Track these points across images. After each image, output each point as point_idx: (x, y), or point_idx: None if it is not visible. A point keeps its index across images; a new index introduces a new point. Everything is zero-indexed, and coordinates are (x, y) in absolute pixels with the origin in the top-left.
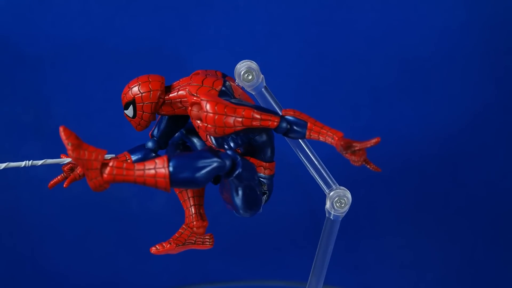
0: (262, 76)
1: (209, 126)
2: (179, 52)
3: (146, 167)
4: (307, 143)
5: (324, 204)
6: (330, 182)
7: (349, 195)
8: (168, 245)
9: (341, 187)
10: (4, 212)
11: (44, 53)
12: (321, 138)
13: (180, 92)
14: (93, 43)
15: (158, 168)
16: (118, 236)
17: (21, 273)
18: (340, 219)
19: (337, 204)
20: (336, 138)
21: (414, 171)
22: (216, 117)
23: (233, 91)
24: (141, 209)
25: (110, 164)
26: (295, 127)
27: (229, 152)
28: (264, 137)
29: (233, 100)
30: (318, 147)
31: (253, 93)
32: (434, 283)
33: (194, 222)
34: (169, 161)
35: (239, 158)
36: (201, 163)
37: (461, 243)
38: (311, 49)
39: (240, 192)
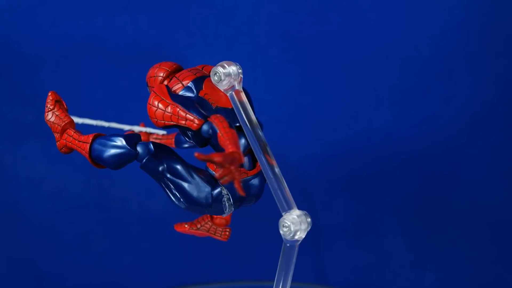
0: (236, 79)
1: (148, 115)
2: (179, 52)
3: (82, 140)
4: (272, 153)
5: (324, 204)
6: (284, 205)
7: (304, 225)
8: (185, 226)
9: (299, 212)
10: (4, 212)
11: (44, 53)
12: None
13: None
14: (93, 43)
15: (86, 143)
16: (118, 236)
17: (21, 273)
18: (297, 244)
19: (284, 230)
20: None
21: (414, 171)
22: (149, 107)
23: (203, 88)
24: (141, 209)
25: (67, 131)
26: (214, 134)
27: (150, 144)
28: None
29: (179, 96)
30: (319, 143)
31: (227, 95)
32: (434, 283)
33: None
34: (96, 138)
35: (152, 151)
36: (112, 147)
37: (461, 243)
38: (311, 49)
39: (160, 183)
